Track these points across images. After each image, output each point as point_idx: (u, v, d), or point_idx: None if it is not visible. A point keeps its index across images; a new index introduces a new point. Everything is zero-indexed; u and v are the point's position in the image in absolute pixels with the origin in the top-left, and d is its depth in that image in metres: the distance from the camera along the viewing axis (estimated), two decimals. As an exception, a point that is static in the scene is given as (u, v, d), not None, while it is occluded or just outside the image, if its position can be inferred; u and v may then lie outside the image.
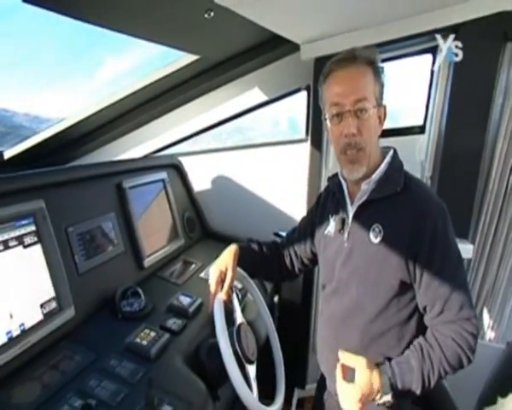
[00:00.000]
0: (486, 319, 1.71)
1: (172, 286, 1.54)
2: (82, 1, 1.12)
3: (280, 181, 2.13)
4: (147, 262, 1.58)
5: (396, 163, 0.99)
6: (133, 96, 1.92)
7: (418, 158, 1.70)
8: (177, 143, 2.25)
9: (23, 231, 1.08)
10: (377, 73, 0.93)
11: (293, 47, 1.73)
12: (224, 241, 1.70)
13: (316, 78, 1.72)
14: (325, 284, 1.11)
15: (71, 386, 0.94)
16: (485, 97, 1.44)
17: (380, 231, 0.94)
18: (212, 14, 1.30)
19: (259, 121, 2.46)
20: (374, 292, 0.95)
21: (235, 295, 1.18)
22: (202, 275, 1.67)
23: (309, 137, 1.86)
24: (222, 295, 1.08)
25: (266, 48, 1.83)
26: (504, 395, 1.05)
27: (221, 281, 1.12)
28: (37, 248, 1.12)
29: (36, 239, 1.12)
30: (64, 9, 1.15)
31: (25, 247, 1.08)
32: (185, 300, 1.37)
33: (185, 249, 1.92)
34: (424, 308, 0.93)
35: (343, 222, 1.03)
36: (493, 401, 1.07)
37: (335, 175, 1.11)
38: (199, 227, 2.16)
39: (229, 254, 1.17)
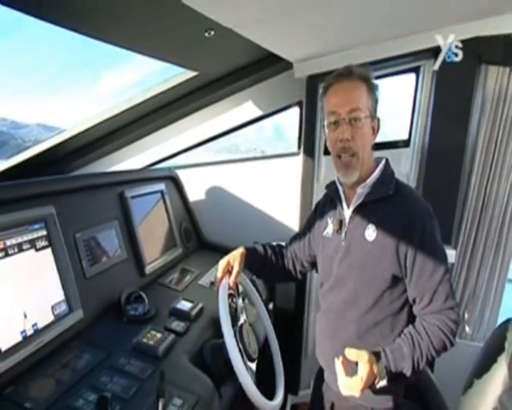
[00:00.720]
0: (468, 321, 1.81)
1: (173, 292, 1.59)
2: (83, 15, 1.17)
3: (273, 194, 2.20)
4: (148, 269, 1.63)
5: (388, 170, 1.10)
6: (132, 110, 1.99)
7: (403, 170, 1.82)
8: (174, 155, 2.32)
9: (35, 235, 1.13)
10: (371, 88, 1.04)
11: (287, 65, 1.84)
12: (219, 251, 1.77)
13: (308, 94, 1.83)
14: (323, 281, 1.20)
15: (83, 382, 0.98)
16: (463, 113, 1.57)
17: (374, 231, 1.04)
18: (212, 32, 1.39)
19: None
20: (369, 285, 1.04)
21: (238, 296, 1.25)
22: (201, 282, 1.72)
23: (301, 151, 1.95)
24: (228, 280, 1.17)
25: (261, 65, 1.93)
26: (484, 383, 1.16)
27: (228, 272, 1.20)
28: (48, 251, 1.17)
29: (47, 243, 1.16)
30: (64, 23, 1.19)
31: (37, 250, 1.12)
32: (187, 304, 1.42)
33: (183, 258, 1.97)
34: (414, 300, 1.03)
35: (340, 223, 1.12)
36: (475, 390, 1.19)
37: (333, 182, 1.21)
38: (195, 238, 2.21)
39: (237, 252, 1.26)
